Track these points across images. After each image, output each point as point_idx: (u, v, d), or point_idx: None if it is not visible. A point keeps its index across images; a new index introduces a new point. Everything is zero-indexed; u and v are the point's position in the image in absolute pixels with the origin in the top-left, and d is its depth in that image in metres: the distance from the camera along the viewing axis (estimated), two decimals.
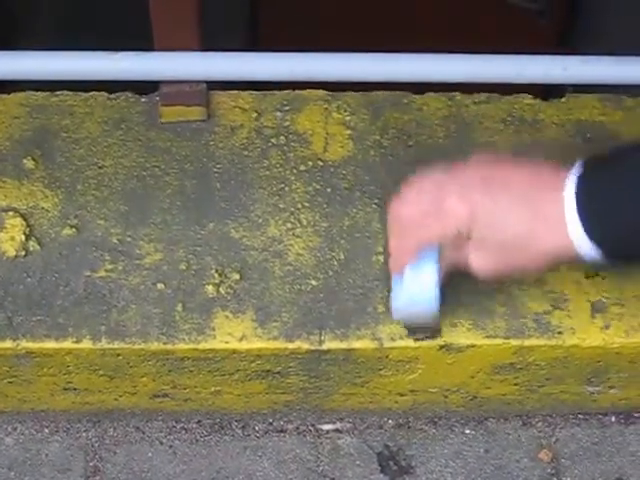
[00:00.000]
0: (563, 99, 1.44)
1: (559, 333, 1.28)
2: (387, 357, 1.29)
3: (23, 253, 1.29)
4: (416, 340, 1.26)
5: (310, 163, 1.37)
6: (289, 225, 1.33)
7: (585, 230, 0.99)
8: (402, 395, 1.40)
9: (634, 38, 1.91)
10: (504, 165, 1.06)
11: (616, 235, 0.99)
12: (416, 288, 1.13)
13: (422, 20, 2.44)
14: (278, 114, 1.40)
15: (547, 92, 1.45)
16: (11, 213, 1.31)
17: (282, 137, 1.38)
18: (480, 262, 1.08)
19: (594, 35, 2.42)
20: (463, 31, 2.37)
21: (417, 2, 2.45)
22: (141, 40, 1.34)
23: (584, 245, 1.00)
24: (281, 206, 1.34)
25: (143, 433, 1.45)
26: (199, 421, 1.46)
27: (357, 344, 1.27)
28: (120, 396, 1.38)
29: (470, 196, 1.04)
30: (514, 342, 1.28)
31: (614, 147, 1.02)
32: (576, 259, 1.02)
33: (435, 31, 2.28)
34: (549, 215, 1.00)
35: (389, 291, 1.26)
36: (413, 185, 1.10)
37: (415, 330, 1.25)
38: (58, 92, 1.40)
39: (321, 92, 1.41)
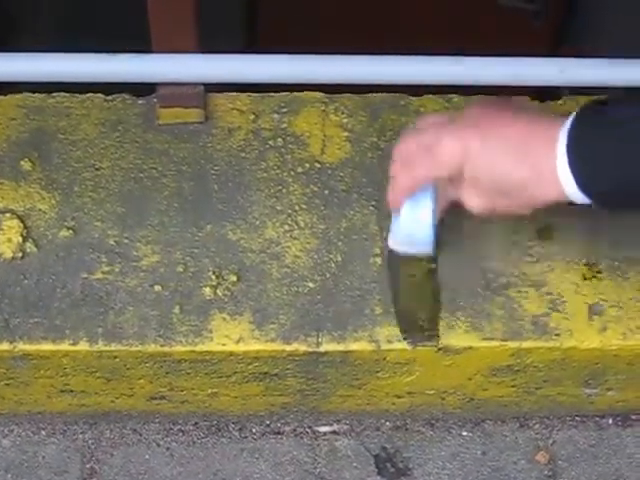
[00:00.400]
0: (560, 101, 1.44)
1: (556, 335, 1.28)
2: (384, 359, 1.29)
3: (20, 255, 1.29)
4: (414, 346, 1.26)
5: (307, 165, 1.37)
6: (286, 227, 1.33)
7: (576, 181, 1.03)
8: (399, 397, 1.40)
9: (630, 39, 1.91)
10: (502, 113, 1.10)
11: (607, 187, 1.03)
12: (413, 222, 1.17)
13: (419, 21, 2.44)
14: (275, 116, 1.40)
15: (544, 94, 1.45)
16: (8, 215, 1.31)
17: (280, 139, 1.38)
18: (472, 200, 1.11)
19: (590, 36, 2.43)
20: (459, 32, 2.37)
21: (415, 3, 2.45)
22: (140, 40, 1.34)
23: (575, 195, 1.04)
24: (278, 208, 1.34)
25: (140, 435, 1.45)
26: (196, 423, 1.46)
27: (354, 346, 1.27)
28: (117, 398, 1.38)
29: (465, 138, 1.08)
30: (511, 344, 1.28)
31: (604, 98, 1.05)
32: (566, 204, 1.07)
33: (432, 32, 2.28)
34: (542, 166, 1.05)
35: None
36: (410, 131, 1.15)
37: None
38: (55, 94, 1.40)
39: (318, 94, 1.41)
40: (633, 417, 1.49)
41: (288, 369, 1.30)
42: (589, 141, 1.04)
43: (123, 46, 1.34)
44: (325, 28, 2.31)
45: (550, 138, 1.05)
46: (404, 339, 1.26)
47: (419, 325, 1.27)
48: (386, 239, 1.25)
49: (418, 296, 1.27)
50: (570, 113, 1.05)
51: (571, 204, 1.07)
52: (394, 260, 1.25)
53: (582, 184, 1.03)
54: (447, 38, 2.13)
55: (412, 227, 1.18)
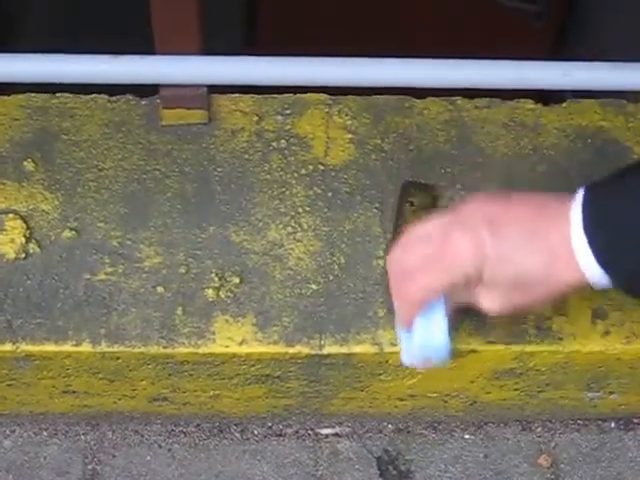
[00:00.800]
0: (564, 104, 1.44)
1: (559, 339, 1.28)
2: (387, 362, 1.29)
3: (23, 255, 1.29)
4: None
5: (311, 167, 1.37)
6: (290, 229, 1.32)
7: (597, 259, 0.96)
8: (402, 400, 1.40)
9: (631, 39, 1.91)
10: (506, 201, 1.01)
11: (628, 260, 0.96)
12: (427, 340, 1.08)
13: (420, 21, 2.44)
14: (279, 118, 1.40)
15: (548, 97, 1.45)
16: (11, 215, 1.31)
17: (283, 141, 1.38)
18: (491, 301, 1.03)
19: (591, 37, 2.43)
20: (460, 33, 2.37)
21: (415, 4, 2.45)
22: (142, 40, 1.34)
23: (596, 274, 0.97)
24: (282, 210, 1.34)
25: (142, 436, 1.45)
26: (198, 425, 1.45)
27: (357, 349, 1.27)
28: (119, 399, 1.38)
29: (476, 235, 0.99)
30: (515, 348, 1.28)
31: (615, 171, 1.00)
32: (587, 288, 0.99)
33: (433, 33, 2.28)
34: (559, 248, 0.97)
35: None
36: (412, 232, 1.04)
37: None
38: (58, 94, 1.40)
39: (322, 96, 1.41)
40: (635, 421, 1.49)
41: (291, 371, 1.30)
42: (603, 212, 0.96)
43: (123, 46, 1.34)
44: (324, 28, 2.31)
45: (561, 215, 0.97)
46: None
47: None
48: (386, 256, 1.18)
49: None
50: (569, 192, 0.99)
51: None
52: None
53: (604, 262, 0.95)
54: (448, 39, 2.14)
55: (427, 340, 1.07)
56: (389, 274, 1.06)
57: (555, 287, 1.00)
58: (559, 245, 0.97)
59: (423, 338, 1.07)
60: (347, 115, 1.40)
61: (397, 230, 1.26)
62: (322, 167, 1.37)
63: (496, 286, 1.01)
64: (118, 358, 1.27)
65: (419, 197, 1.28)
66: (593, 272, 0.97)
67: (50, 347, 1.25)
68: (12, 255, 1.29)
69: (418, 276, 1.02)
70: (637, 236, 0.95)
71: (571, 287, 1.00)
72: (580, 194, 0.98)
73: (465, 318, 1.26)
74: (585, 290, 1.00)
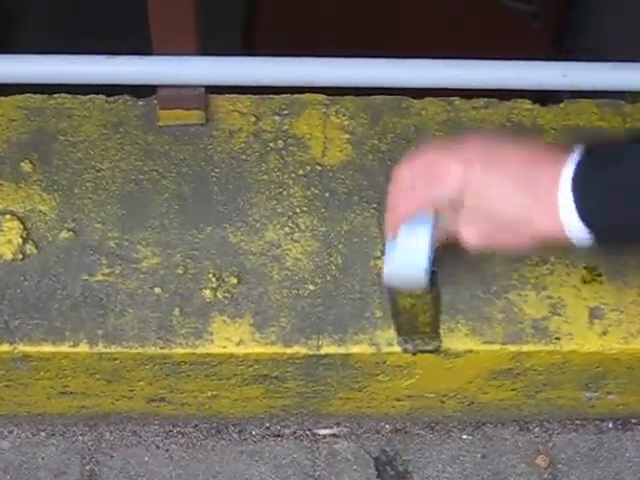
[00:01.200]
0: (562, 104, 1.44)
1: (557, 339, 1.28)
2: (384, 362, 1.29)
3: (20, 256, 1.29)
4: (413, 354, 1.26)
5: (308, 167, 1.37)
6: (287, 229, 1.32)
7: (579, 214, 1.00)
8: (399, 400, 1.40)
9: (631, 39, 1.91)
10: (504, 142, 1.07)
11: (610, 221, 1.00)
12: (409, 251, 1.14)
13: (419, 22, 2.44)
14: (276, 118, 1.40)
15: (545, 98, 1.45)
16: (8, 216, 1.31)
17: (280, 141, 1.38)
18: (469, 233, 1.09)
19: (589, 37, 2.42)
20: (459, 33, 2.37)
21: (414, 4, 2.45)
22: (140, 40, 1.34)
23: (575, 228, 1.01)
24: (279, 210, 1.34)
25: (139, 437, 1.45)
26: (196, 425, 1.45)
27: (355, 349, 1.27)
28: (117, 400, 1.38)
29: (466, 163, 1.06)
30: (512, 348, 1.28)
31: (614, 136, 1.03)
32: (565, 242, 1.03)
33: (432, 33, 2.28)
34: (542, 197, 1.02)
35: (386, 294, 1.27)
36: (410, 158, 1.12)
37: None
38: (56, 95, 1.40)
39: (320, 96, 1.41)
40: (633, 421, 1.49)
41: (288, 372, 1.30)
42: (595, 172, 1.00)
43: (122, 46, 1.34)
44: (324, 29, 2.31)
45: (553, 169, 1.02)
46: (404, 348, 1.26)
47: (420, 330, 1.27)
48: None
49: (418, 312, 1.27)
50: (569, 146, 1.02)
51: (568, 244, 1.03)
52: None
53: (585, 217, 0.99)
54: (446, 39, 2.14)
55: (408, 254, 1.14)
56: (390, 188, 1.14)
57: (532, 233, 1.04)
58: (544, 194, 1.01)
59: (404, 251, 1.13)
60: (344, 115, 1.40)
61: None
62: (319, 167, 1.37)
63: (475, 218, 1.07)
64: (115, 359, 1.27)
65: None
66: (573, 226, 1.00)
67: (47, 348, 1.25)
68: (9, 256, 1.29)
69: (409, 189, 1.10)
70: (620, 201, 0.99)
71: (547, 237, 1.03)
72: (576, 154, 1.01)
73: (460, 320, 1.26)
74: (561, 244, 1.03)
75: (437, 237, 1.13)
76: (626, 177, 0.99)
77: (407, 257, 1.14)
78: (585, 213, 1.00)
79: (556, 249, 1.10)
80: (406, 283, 1.19)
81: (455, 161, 1.06)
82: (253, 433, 1.46)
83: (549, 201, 1.01)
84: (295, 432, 1.46)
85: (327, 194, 1.35)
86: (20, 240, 1.29)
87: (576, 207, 1.00)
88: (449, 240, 1.13)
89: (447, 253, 1.17)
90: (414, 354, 1.27)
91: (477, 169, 1.05)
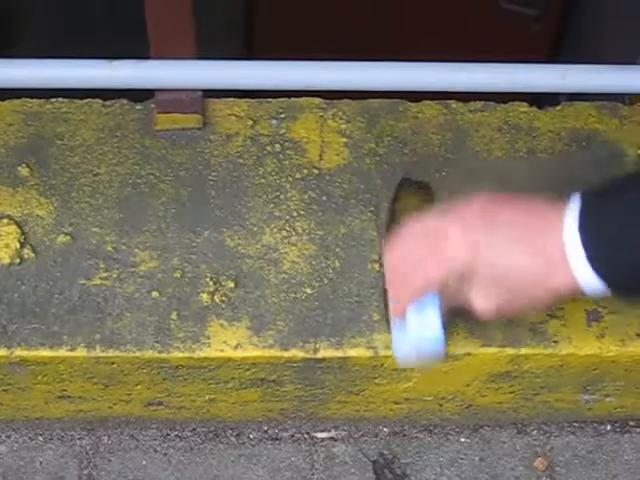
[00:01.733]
0: (559, 107, 1.43)
1: (555, 342, 1.28)
2: (382, 365, 1.29)
3: (18, 261, 1.29)
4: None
5: (305, 171, 1.37)
6: (284, 233, 1.32)
7: (591, 265, 0.97)
8: (397, 403, 1.40)
9: (628, 43, 1.91)
10: (502, 203, 1.04)
11: (623, 267, 0.97)
12: (421, 332, 1.10)
13: (419, 25, 2.44)
14: (274, 122, 1.40)
15: (542, 100, 1.45)
16: (5, 220, 1.31)
17: (277, 145, 1.38)
18: (482, 302, 1.05)
19: (588, 40, 2.43)
20: (459, 36, 2.37)
21: (415, 8, 2.46)
22: (138, 43, 1.34)
23: (589, 280, 0.98)
24: (276, 214, 1.34)
25: (137, 441, 1.45)
26: (194, 429, 1.45)
27: (352, 352, 1.27)
28: (114, 404, 1.38)
29: (470, 234, 1.02)
30: (510, 351, 1.28)
31: (610, 179, 1.01)
32: (579, 294, 1.00)
33: (432, 35, 2.29)
34: (551, 253, 0.99)
35: (385, 305, 1.26)
36: (408, 228, 1.08)
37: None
38: (53, 99, 1.40)
39: (317, 100, 1.41)
40: (631, 423, 1.49)
41: (286, 375, 1.30)
42: (599, 219, 0.98)
43: (120, 45, 1.34)
44: (322, 35, 2.31)
45: (556, 220, 0.99)
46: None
47: None
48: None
49: None
50: (566, 196, 1.01)
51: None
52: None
53: (595, 265, 0.97)
54: (447, 41, 2.14)
55: (421, 331, 1.10)
56: (386, 267, 1.11)
57: (546, 291, 1.01)
58: (552, 250, 0.99)
59: (417, 328, 1.10)
60: (341, 119, 1.40)
61: (388, 230, 1.26)
62: (317, 171, 1.37)
63: (487, 286, 1.03)
64: (113, 363, 1.27)
65: (413, 197, 1.29)
66: (585, 277, 0.98)
67: (45, 352, 1.25)
68: (7, 260, 1.29)
69: (415, 267, 1.06)
70: (630, 245, 0.96)
71: (562, 292, 1.01)
72: (575, 201, 0.99)
73: (459, 322, 1.26)
74: (576, 296, 1.01)
75: (445, 309, 1.10)
76: (628, 211, 0.97)
77: (420, 337, 1.11)
78: (594, 256, 0.97)
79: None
80: (423, 359, 1.15)
81: (456, 234, 1.03)
82: (251, 437, 1.46)
83: (557, 251, 0.98)
84: (293, 435, 1.46)
85: (324, 197, 1.35)
86: (17, 244, 1.29)
87: (585, 251, 0.97)
88: (457, 308, 1.10)
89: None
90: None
91: (481, 239, 1.01)
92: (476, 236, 1.02)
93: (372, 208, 1.34)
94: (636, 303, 1.21)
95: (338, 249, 1.32)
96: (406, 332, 1.11)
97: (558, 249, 0.98)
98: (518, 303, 1.04)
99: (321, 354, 1.26)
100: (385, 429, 1.47)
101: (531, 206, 1.03)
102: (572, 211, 0.99)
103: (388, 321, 1.23)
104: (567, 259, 0.98)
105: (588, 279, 0.98)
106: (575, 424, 1.48)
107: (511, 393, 1.38)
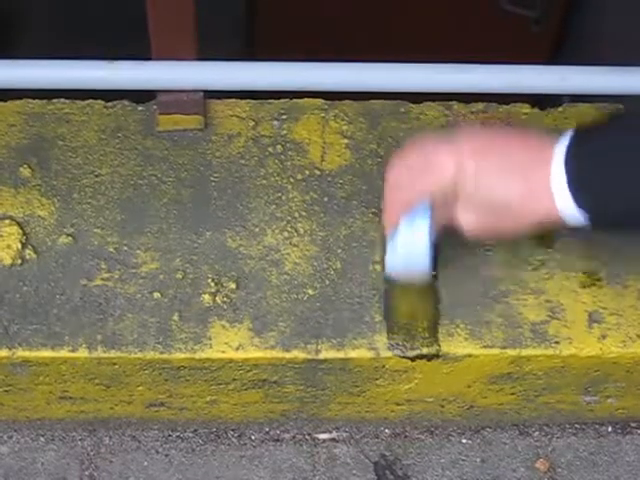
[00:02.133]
0: (560, 108, 1.44)
1: (556, 343, 1.28)
2: (384, 367, 1.29)
3: (19, 261, 1.29)
4: (412, 360, 1.26)
5: (307, 172, 1.37)
6: (286, 234, 1.32)
7: (573, 197, 1.03)
8: (398, 404, 1.40)
9: (630, 42, 1.91)
10: (495, 132, 1.12)
11: (604, 202, 1.03)
12: (409, 243, 1.16)
13: (420, 27, 2.44)
14: (275, 123, 1.40)
15: (544, 101, 1.45)
16: (7, 221, 1.31)
17: (279, 146, 1.38)
18: (466, 220, 1.11)
19: (590, 40, 2.43)
20: (459, 37, 2.37)
21: (415, 9, 2.46)
22: (139, 44, 1.34)
23: (570, 211, 1.04)
24: (278, 215, 1.34)
25: (139, 442, 1.45)
26: (195, 430, 1.45)
27: (354, 354, 1.27)
28: (116, 405, 1.38)
29: (460, 154, 1.08)
30: (511, 352, 1.28)
31: (601, 119, 1.07)
32: (561, 224, 1.06)
33: (432, 37, 2.29)
34: (537, 183, 1.05)
35: (385, 293, 1.27)
36: (406, 150, 1.14)
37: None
38: (55, 100, 1.40)
39: (318, 101, 1.41)
40: (633, 425, 1.49)
41: (287, 376, 1.30)
42: (586, 154, 1.04)
43: (122, 52, 1.34)
44: (323, 35, 2.31)
45: (544, 152, 1.05)
46: (403, 354, 1.26)
47: (419, 335, 1.27)
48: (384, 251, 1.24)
49: (417, 310, 1.28)
50: (564, 129, 1.06)
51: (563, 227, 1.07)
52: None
53: (577, 197, 1.03)
54: (447, 43, 2.14)
55: (409, 247, 1.16)
56: (385, 185, 1.17)
57: (528, 217, 1.07)
58: (538, 179, 1.05)
59: (406, 244, 1.16)
60: (343, 120, 1.40)
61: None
62: (318, 172, 1.37)
63: (472, 206, 1.09)
64: (115, 364, 1.27)
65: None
66: (566, 206, 1.04)
67: (46, 353, 1.25)
68: (8, 261, 1.29)
69: (405, 184, 1.13)
70: (612, 181, 1.02)
71: (544, 220, 1.07)
72: (566, 137, 1.05)
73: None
74: (557, 226, 1.07)
75: (435, 226, 1.15)
76: (611, 146, 1.03)
77: (409, 248, 1.16)
78: (576, 188, 1.03)
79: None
80: (410, 274, 1.21)
81: (447, 152, 1.09)
82: (252, 438, 1.46)
83: (543, 181, 1.04)
84: (294, 437, 1.46)
85: (326, 199, 1.35)
86: (19, 245, 1.29)
87: (568, 182, 1.03)
88: (447, 229, 1.15)
89: (447, 242, 1.20)
90: (413, 359, 1.27)
91: (470, 157, 1.08)
92: (463, 155, 1.08)
93: (374, 209, 1.34)
94: (613, 234, 1.26)
95: (340, 250, 1.32)
96: (396, 245, 1.17)
97: (544, 179, 1.04)
98: (501, 226, 1.10)
99: (322, 355, 1.27)
100: (386, 430, 1.47)
101: (524, 138, 1.09)
102: (561, 145, 1.04)
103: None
104: (550, 188, 1.04)
105: (569, 209, 1.04)
106: (577, 425, 1.48)
107: (512, 394, 1.38)
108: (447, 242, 1.25)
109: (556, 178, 1.04)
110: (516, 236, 1.12)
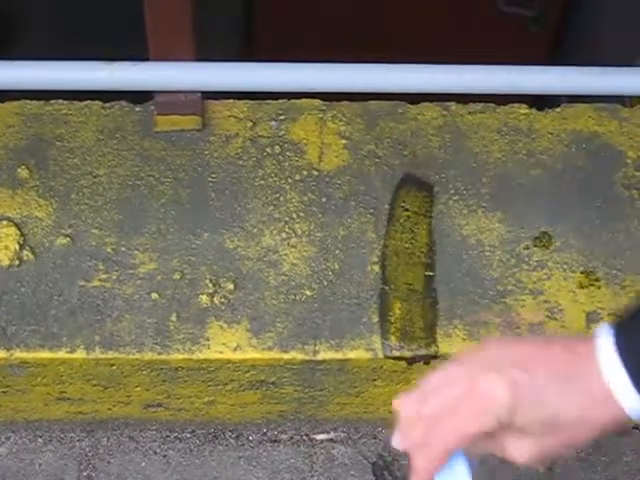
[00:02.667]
0: (558, 109, 1.43)
1: None
2: (381, 367, 1.29)
3: (17, 262, 1.29)
4: (410, 361, 1.26)
5: (305, 173, 1.37)
6: (284, 235, 1.32)
7: (637, 391, 0.88)
8: None
9: (627, 45, 1.91)
10: (528, 342, 0.92)
11: None
12: None
13: (418, 27, 2.44)
14: (273, 123, 1.40)
15: (542, 102, 1.45)
16: (5, 222, 1.31)
17: (277, 146, 1.38)
18: (521, 450, 0.91)
19: (587, 42, 2.43)
20: (458, 37, 2.37)
21: (414, 10, 2.45)
22: (137, 46, 1.34)
23: (637, 406, 0.88)
24: (276, 216, 1.34)
25: (137, 443, 1.45)
26: (193, 431, 1.45)
27: (351, 354, 1.27)
28: (114, 406, 1.38)
29: (508, 376, 0.87)
30: None
31: (636, 304, 0.96)
32: (627, 422, 0.90)
33: (430, 37, 2.28)
34: (593, 388, 0.89)
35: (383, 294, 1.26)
36: (429, 379, 0.90)
37: None
38: (53, 101, 1.40)
39: (316, 101, 1.41)
40: (631, 425, 1.49)
41: (285, 377, 1.30)
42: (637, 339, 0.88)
43: (120, 53, 1.34)
44: (322, 35, 2.31)
45: (589, 352, 0.88)
46: (401, 354, 1.25)
47: (416, 336, 1.26)
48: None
49: (415, 311, 1.27)
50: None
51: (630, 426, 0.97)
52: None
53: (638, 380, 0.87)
54: (446, 43, 2.14)
55: None
56: (402, 424, 0.93)
57: (589, 429, 0.90)
58: (594, 384, 0.89)
59: None
60: (341, 121, 1.40)
61: (389, 235, 1.26)
62: (316, 173, 1.37)
63: (527, 432, 0.90)
64: (112, 364, 1.27)
65: (414, 202, 1.29)
66: (633, 405, 0.89)
67: (44, 354, 1.25)
68: (6, 262, 1.29)
69: (444, 423, 0.88)
70: None
71: (606, 426, 0.91)
72: (604, 332, 0.90)
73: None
74: (621, 427, 0.92)
75: (474, 464, 0.95)
76: None
77: None
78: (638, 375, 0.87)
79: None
80: None
81: (491, 378, 0.87)
82: (250, 438, 1.45)
83: (601, 390, 0.88)
84: (292, 437, 1.46)
85: (324, 199, 1.35)
86: (17, 246, 1.29)
87: (630, 378, 0.87)
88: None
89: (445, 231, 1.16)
90: (411, 360, 1.26)
91: (520, 379, 0.88)
92: (512, 375, 0.87)
93: (372, 210, 1.34)
94: None
95: (337, 251, 1.32)
96: None
97: (599, 383, 0.88)
98: (558, 445, 0.90)
99: (320, 356, 1.26)
100: (384, 431, 1.47)
101: (560, 343, 0.91)
102: (605, 342, 0.89)
103: None
104: (611, 393, 0.88)
105: (636, 406, 0.89)
106: None
107: None
108: (447, 244, 1.25)
109: (613, 376, 0.88)
110: (572, 451, 0.98)
